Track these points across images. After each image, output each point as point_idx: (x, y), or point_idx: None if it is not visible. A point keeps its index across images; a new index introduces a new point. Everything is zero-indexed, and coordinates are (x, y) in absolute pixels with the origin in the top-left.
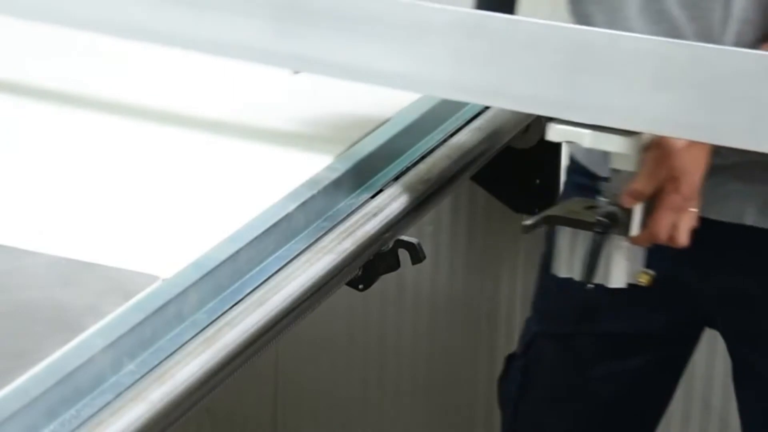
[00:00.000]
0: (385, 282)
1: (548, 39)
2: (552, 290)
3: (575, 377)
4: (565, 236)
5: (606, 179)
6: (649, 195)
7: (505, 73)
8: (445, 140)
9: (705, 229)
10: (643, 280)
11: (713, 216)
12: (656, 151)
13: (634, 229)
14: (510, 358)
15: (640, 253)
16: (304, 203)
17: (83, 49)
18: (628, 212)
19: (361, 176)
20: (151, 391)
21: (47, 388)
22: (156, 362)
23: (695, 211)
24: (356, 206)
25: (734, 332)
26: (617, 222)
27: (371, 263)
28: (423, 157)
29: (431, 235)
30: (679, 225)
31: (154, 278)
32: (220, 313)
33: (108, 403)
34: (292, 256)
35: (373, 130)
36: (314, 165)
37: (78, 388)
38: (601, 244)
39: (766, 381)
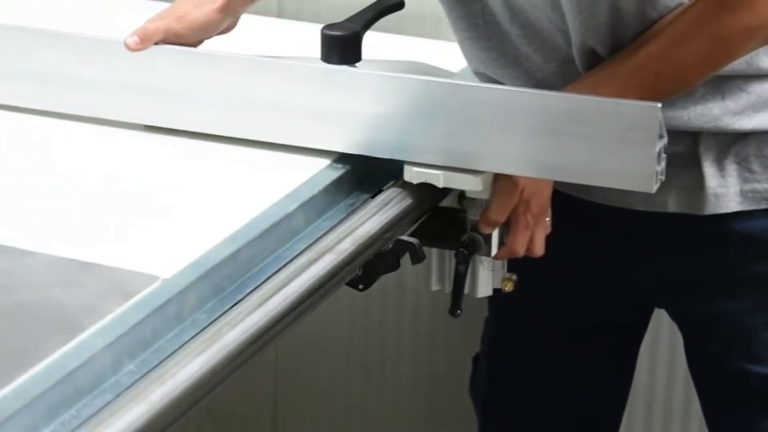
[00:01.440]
0: (385, 282)
1: (398, 89)
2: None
3: (538, 375)
4: (434, 251)
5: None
6: (503, 221)
7: (361, 122)
8: None
9: (636, 220)
10: (508, 286)
11: (641, 208)
12: (504, 181)
13: (494, 248)
14: (476, 359)
15: (501, 261)
16: (304, 203)
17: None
18: (488, 237)
19: (361, 176)
20: (151, 391)
21: (47, 388)
22: (156, 362)
23: (548, 220)
24: (356, 206)
25: (682, 315)
26: (479, 247)
27: (371, 263)
28: None
29: None
30: (535, 238)
31: (154, 278)
32: (220, 313)
33: (108, 403)
34: (292, 256)
35: None
36: (314, 165)
37: (78, 388)
38: (465, 275)
39: (718, 361)
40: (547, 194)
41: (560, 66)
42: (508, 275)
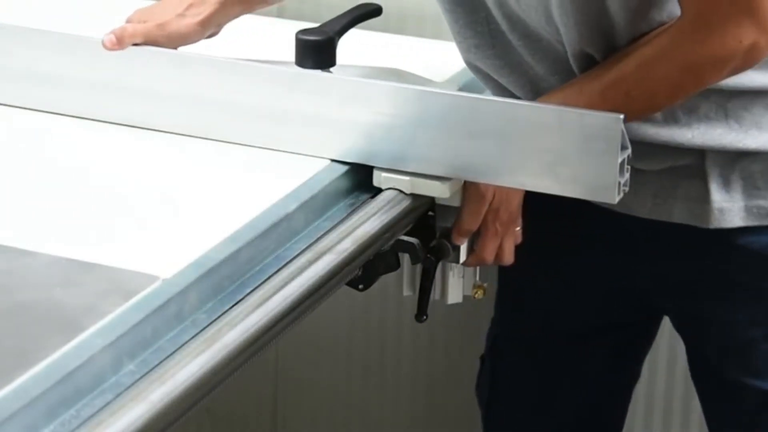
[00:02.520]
0: (385, 282)
1: (370, 95)
2: (507, 292)
3: (538, 375)
4: (405, 257)
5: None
6: (475, 230)
7: (333, 127)
8: None
9: (639, 226)
10: (478, 294)
11: (645, 215)
12: (473, 189)
13: (463, 255)
14: (482, 360)
15: (473, 268)
16: (304, 203)
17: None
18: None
19: (361, 176)
20: (151, 391)
21: (47, 388)
22: (156, 362)
23: (519, 230)
24: (356, 206)
25: (681, 316)
26: (446, 254)
27: (371, 263)
28: None
29: None
30: (504, 246)
31: (154, 278)
32: (220, 313)
33: (108, 403)
34: (292, 256)
35: None
36: (314, 165)
37: (78, 388)
38: (431, 281)
39: (716, 370)
40: (516, 204)
41: (563, 80)
42: (479, 282)
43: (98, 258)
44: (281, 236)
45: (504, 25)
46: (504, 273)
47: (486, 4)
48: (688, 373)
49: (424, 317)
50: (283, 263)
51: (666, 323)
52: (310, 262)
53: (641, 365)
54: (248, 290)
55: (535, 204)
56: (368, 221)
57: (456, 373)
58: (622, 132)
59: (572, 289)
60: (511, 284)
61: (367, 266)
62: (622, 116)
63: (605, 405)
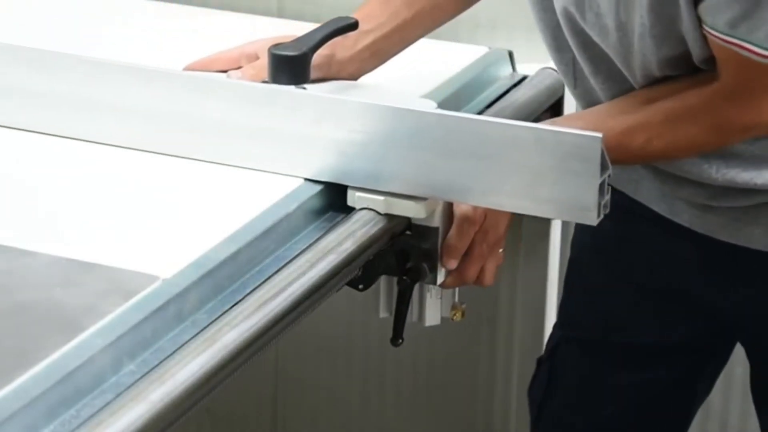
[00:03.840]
0: None
1: (343, 113)
2: (575, 297)
3: (598, 384)
4: (381, 278)
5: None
6: (464, 251)
7: (305, 144)
8: None
9: (716, 248)
10: (456, 316)
11: (724, 239)
12: (464, 209)
13: (440, 277)
14: (539, 362)
15: (451, 290)
16: (303, 203)
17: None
18: (434, 264)
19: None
20: (151, 391)
21: (47, 388)
22: (156, 362)
23: (501, 252)
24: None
25: (756, 344)
26: (423, 275)
27: (371, 263)
28: None
29: None
30: (486, 267)
31: (154, 278)
32: (220, 313)
33: (108, 403)
34: (292, 256)
35: None
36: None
37: (78, 388)
38: (407, 303)
39: None
40: (504, 226)
41: None
42: (457, 303)
43: (98, 258)
44: (281, 236)
45: (588, 69)
46: (571, 277)
47: (571, 48)
48: (745, 391)
49: (400, 341)
50: (283, 263)
51: None
52: (310, 263)
53: (709, 390)
54: (248, 290)
55: (613, 211)
56: (369, 221)
57: (456, 374)
58: (602, 152)
59: (644, 303)
60: (578, 290)
61: (367, 266)
62: (600, 135)
63: (662, 423)
